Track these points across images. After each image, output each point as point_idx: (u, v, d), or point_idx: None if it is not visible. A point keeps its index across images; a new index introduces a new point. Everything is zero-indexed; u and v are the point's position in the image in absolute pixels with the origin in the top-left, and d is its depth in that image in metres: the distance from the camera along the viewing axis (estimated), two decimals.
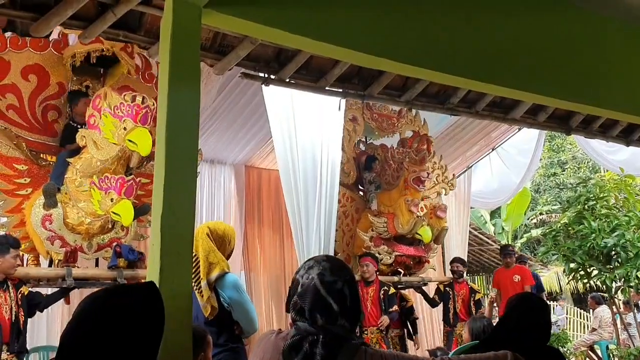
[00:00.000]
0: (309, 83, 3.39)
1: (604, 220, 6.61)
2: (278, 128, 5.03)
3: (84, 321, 1.18)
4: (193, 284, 3.01)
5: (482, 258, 12.66)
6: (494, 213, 15.77)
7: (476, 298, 6.63)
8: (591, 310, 10.09)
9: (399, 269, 6.38)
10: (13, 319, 3.79)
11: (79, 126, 4.44)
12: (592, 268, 6.70)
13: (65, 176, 4.32)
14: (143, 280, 3.21)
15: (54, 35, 4.41)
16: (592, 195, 6.92)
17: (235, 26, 2.17)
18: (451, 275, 6.92)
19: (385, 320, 5.63)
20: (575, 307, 13.97)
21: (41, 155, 4.50)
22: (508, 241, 15.09)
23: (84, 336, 1.16)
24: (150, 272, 1.67)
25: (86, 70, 4.70)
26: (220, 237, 3.22)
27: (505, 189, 9.72)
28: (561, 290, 14.38)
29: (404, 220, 6.08)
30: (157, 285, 1.52)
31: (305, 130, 5.09)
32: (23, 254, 4.30)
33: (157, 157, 1.77)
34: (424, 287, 6.71)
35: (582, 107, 3.31)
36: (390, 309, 5.71)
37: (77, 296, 4.43)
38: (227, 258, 3.23)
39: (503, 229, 16.09)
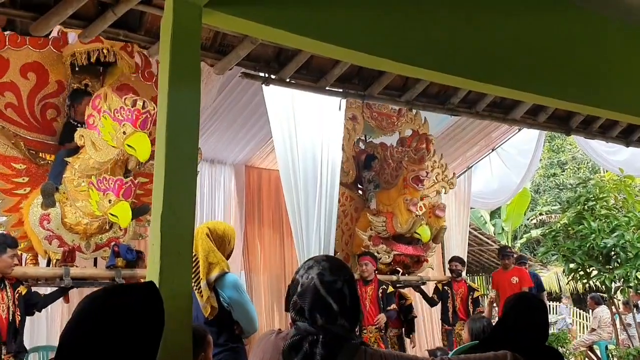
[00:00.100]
0: (309, 83, 3.39)
1: (603, 220, 6.62)
2: (278, 128, 5.02)
3: (83, 321, 1.18)
4: (193, 284, 3.01)
5: (481, 258, 12.66)
6: (494, 213, 15.77)
7: (474, 296, 6.62)
8: (590, 311, 10.10)
9: (398, 268, 6.37)
10: (10, 318, 3.77)
11: (78, 125, 4.41)
12: (591, 268, 6.71)
13: (64, 176, 4.30)
14: (142, 280, 3.21)
15: (54, 33, 4.37)
16: (591, 196, 6.92)
17: (235, 26, 2.17)
18: (450, 275, 6.92)
19: (382, 318, 5.61)
20: (575, 308, 13.98)
21: (40, 155, 4.47)
22: (508, 241, 15.12)
23: (83, 336, 1.16)
24: (150, 272, 1.67)
25: (85, 69, 4.67)
26: (220, 237, 3.22)
27: (505, 189, 9.72)
28: (561, 291, 14.39)
29: (402, 220, 6.07)
30: (157, 285, 1.52)
31: (306, 130, 5.08)
32: (21, 254, 4.29)
33: (157, 157, 1.76)
34: (422, 287, 6.71)
35: (582, 108, 3.30)
36: (388, 307, 5.70)
37: (77, 295, 4.42)
38: (227, 258, 3.23)
39: (503, 229, 16.10)
